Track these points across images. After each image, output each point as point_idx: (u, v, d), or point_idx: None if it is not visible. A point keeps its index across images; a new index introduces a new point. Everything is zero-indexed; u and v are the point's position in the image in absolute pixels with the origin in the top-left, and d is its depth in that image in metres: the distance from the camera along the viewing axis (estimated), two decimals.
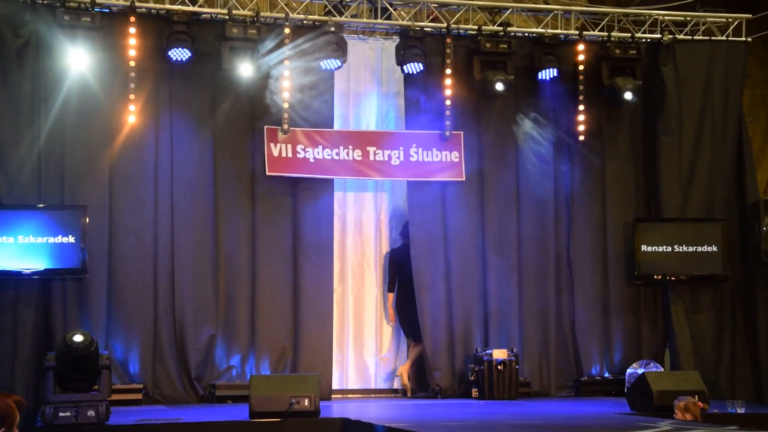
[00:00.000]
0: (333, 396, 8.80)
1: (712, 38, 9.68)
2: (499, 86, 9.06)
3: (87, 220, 8.12)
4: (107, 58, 8.33)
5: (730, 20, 9.69)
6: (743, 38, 9.68)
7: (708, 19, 9.67)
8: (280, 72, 8.69)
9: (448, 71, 9.10)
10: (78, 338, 6.50)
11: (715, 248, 9.36)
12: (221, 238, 8.69)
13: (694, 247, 9.36)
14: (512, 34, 9.30)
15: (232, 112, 8.77)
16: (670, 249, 9.36)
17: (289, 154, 8.83)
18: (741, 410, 7.26)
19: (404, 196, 9.30)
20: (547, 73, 9.28)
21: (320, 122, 8.98)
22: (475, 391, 8.72)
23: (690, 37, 9.63)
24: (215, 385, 8.39)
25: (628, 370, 8.72)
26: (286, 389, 6.74)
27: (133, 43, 8.34)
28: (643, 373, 7.42)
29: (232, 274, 8.68)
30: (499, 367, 8.57)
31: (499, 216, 9.30)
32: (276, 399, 6.65)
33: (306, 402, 6.68)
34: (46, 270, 8.04)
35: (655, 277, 9.37)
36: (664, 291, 9.49)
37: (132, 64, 8.33)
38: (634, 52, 9.37)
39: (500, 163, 9.39)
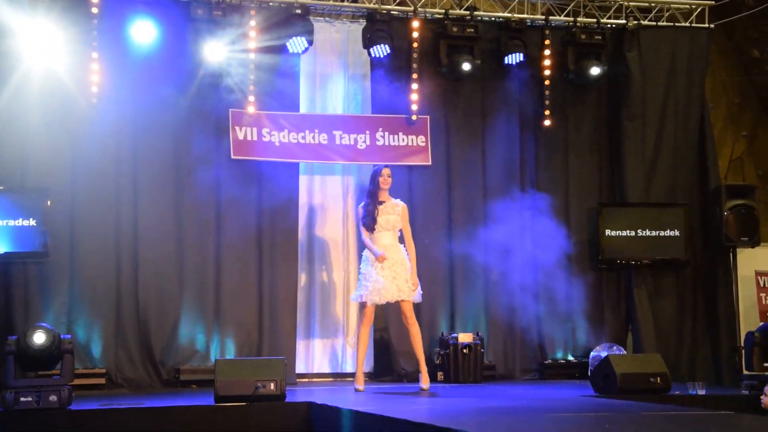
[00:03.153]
0: (299, 380, 8.75)
1: (676, 24, 9.72)
2: (466, 67, 9.04)
3: (49, 203, 7.98)
4: (69, 39, 8.16)
5: (694, 6, 9.73)
6: (706, 24, 9.73)
7: (672, 5, 9.71)
8: (246, 54, 8.60)
9: (415, 55, 9.06)
10: (39, 339, 6.36)
11: (677, 233, 9.41)
12: (186, 221, 8.60)
13: (657, 232, 9.41)
14: (479, 18, 9.28)
15: (196, 94, 8.66)
16: (633, 233, 9.40)
17: (254, 138, 8.76)
18: (701, 392, 7.33)
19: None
20: (514, 58, 9.28)
21: (286, 105, 8.91)
22: (440, 375, 8.74)
23: (654, 23, 9.66)
24: (179, 370, 8.30)
25: (592, 353, 8.74)
26: (251, 373, 6.65)
27: (96, 23, 8.18)
28: (606, 356, 7.43)
29: (196, 258, 8.60)
30: (464, 350, 8.59)
31: (466, 201, 9.29)
32: (241, 383, 6.57)
33: (272, 386, 6.61)
34: (6, 253, 7.90)
35: (619, 261, 9.41)
36: (627, 275, 9.53)
37: (94, 44, 8.18)
38: (600, 37, 9.40)
39: (467, 147, 9.38)
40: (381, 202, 7.53)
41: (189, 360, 8.45)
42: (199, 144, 8.65)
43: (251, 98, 8.65)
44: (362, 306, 7.61)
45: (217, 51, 8.50)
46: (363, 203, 7.59)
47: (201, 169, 8.64)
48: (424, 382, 7.54)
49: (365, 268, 7.51)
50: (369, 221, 7.48)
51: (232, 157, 8.67)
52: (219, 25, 8.43)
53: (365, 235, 7.51)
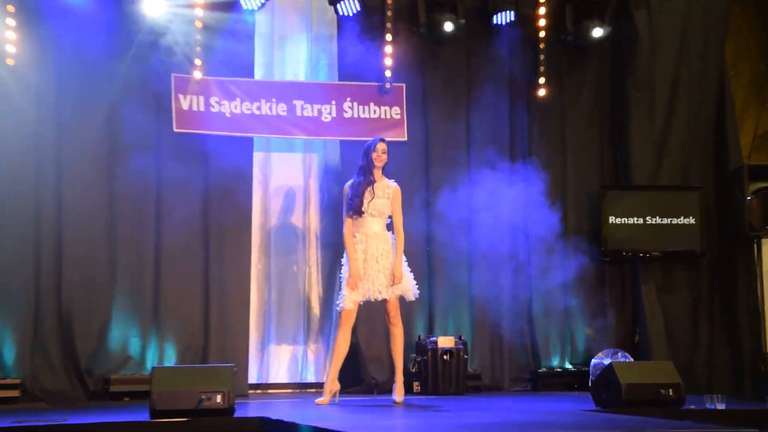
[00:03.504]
0: (252, 392, 8.69)
1: None
2: (448, 27, 8.98)
3: None
4: None
5: None
6: None
7: None
8: (191, 10, 8.53)
9: (389, 13, 8.97)
10: None
11: (691, 220, 9.40)
12: (119, 206, 8.46)
13: (668, 219, 9.40)
14: None
15: (133, 58, 8.54)
16: (641, 221, 9.39)
17: (201, 108, 8.68)
18: (720, 405, 7.21)
19: (339, 157, 9.15)
20: (503, 17, 9.26)
21: (238, 71, 8.86)
22: (416, 385, 8.64)
23: None
24: (109, 379, 8.13)
25: (593, 361, 8.65)
26: (194, 383, 6.49)
27: None
28: (609, 364, 7.33)
29: (131, 248, 8.46)
30: (444, 356, 8.49)
31: (447, 182, 9.20)
32: (182, 395, 6.41)
33: (218, 398, 6.44)
34: None
35: (624, 253, 9.39)
36: (634, 269, 9.51)
37: None
38: None
39: (448, 121, 9.34)
40: (374, 181, 7.34)
41: (121, 368, 8.31)
42: (136, 115, 8.50)
43: (198, 62, 8.58)
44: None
45: (157, 6, 8.42)
46: (352, 181, 7.37)
47: (137, 144, 8.48)
48: (398, 393, 7.40)
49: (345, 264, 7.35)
50: (357, 203, 7.26)
51: (175, 130, 8.58)
52: None
53: (347, 229, 7.29)
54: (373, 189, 7.28)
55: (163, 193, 8.57)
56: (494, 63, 9.41)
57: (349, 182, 7.39)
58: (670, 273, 9.53)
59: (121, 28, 8.45)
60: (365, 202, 7.24)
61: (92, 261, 8.31)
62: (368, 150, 7.38)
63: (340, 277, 7.45)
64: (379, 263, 7.24)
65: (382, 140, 7.42)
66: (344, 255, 7.34)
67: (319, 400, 7.31)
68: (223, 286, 8.65)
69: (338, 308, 7.31)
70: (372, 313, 8.75)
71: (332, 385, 7.29)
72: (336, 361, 7.31)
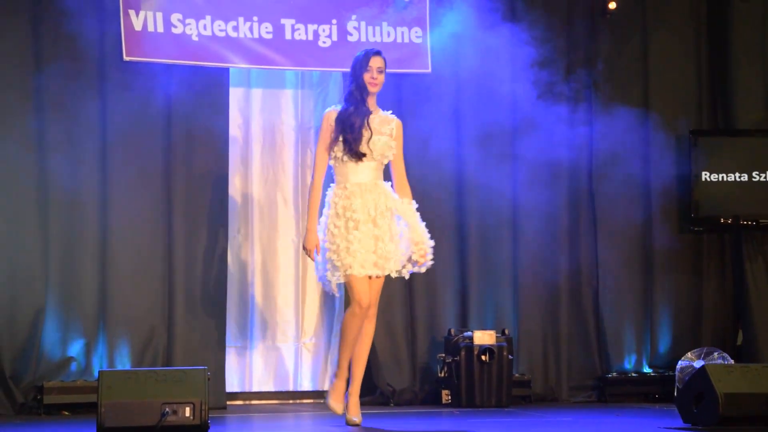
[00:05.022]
0: (230, 403, 8.84)
1: None
2: None
3: None
4: None
5: None
6: None
7: None
8: None
9: None
10: None
11: None
12: (53, 167, 8.58)
13: None
14: None
15: None
16: (745, 178, 9.48)
17: (160, 29, 8.73)
18: None
19: (340, 94, 9.18)
20: None
21: None
22: (446, 394, 8.78)
23: None
24: (42, 388, 8.26)
25: (680, 363, 8.82)
26: (155, 392, 6.59)
27: None
28: (702, 367, 7.43)
29: (70, 220, 8.61)
30: (483, 357, 8.62)
31: (485, 130, 9.30)
32: (140, 407, 6.49)
33: (187, 411, 6.53)
34: None
35: (723, 220, 9.50)
36: (737, 242, 9.64)
37: None
38: None
39: (485, 45, 9.24)
40: (369, 112, 7.00)
41: (58, 374, 8.45)
42: (69, 39, 8.58)
43: None
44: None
45: None
46: (337, 109, 7.01)
47: (72, 79, 8.61)
48: (352, 413, 7.01)
49: (333, 224, 6.88)
50: (355, 142, 6.87)
51: (125, 58, 8.63)
52: None
53: (317, 174, 6.96)
54: (368, 123, 6.94)
55: (110, 148, 8.68)
56: None
57: (331, 109, 7.04)
58: None
59: None
60: (363, 140, 6.91)
61: (16, 237, 8.44)
62: (358, 66, 7.02)
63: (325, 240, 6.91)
64: (378, 225, 6.88)
65: (378, 53, 7.04)
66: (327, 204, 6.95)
67: (353, 419, 7.02)
68: (192, 272, 8.78)
69: (324, 281, 6.93)
70: (390, 303, 8.96)
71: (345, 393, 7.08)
72: (343, 364, 7.08)
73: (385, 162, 7.00)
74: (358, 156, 6.87)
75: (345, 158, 6.90)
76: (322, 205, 6.93)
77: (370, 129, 6.90)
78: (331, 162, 6.96)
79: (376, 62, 6.98)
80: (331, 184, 6.95)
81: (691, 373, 7.78)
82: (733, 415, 6.93)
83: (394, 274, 6.93)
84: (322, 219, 6.93)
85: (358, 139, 6.85)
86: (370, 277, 6.84)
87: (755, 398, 7.05)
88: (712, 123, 9.81)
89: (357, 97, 6.96)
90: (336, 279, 6.84)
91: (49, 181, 8.58)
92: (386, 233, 6.88)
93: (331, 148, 6.93)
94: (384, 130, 6.97)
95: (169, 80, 8.79)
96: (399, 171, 7.11)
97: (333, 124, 6.92)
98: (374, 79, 6.97)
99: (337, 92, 9.28)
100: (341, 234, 6.79)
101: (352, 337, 6.89)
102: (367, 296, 6.82)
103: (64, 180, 8.60)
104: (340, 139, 6.88)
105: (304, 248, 6.93)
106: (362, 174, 6.93)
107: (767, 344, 9.37)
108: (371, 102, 7.01)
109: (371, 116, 6.96)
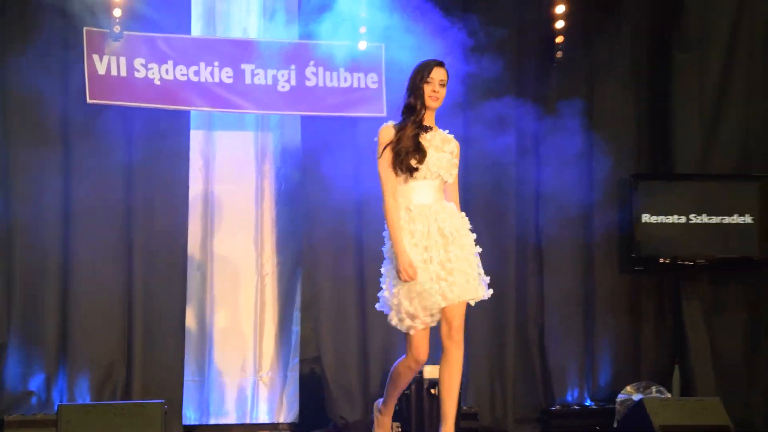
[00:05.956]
0: None
1: None
2: None
3: None
4: None
5: None
6: None
7: None
8: None
9: None
10: None
11: (749, 219, 9.48)
12: (15, 204, 8.61)
13: (720, 218, 9.48)
14: None
15: (34, 9, 8.63)
16: (683, 220, 9.46)
17: (123, 73, 8.72)
18: None
19: (299, 137, 9.29)
20: None
21: (172, 24, 8.91)
22: (396, 427, 8.76)
23: None
24: (3, 421, 8.25)
25: (620, 396, 8.90)
26: (113, 425, 6.75)
27: None
28: (640, 401, 7.56)
29: (33, 256, 8.63)
30: (432, 390, 8.63)
31: None
32: None
33: None
34: None
35: (662, 260, 9.48)
36: (675, 281, 9.67)
37: None
38: None
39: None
40: (427, 128, 6.22)
41: (17, 407, 8.45)
42: (35, 81, 8.61)
43: (117, 12, 8.58)
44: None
45: None
46: (393, 124, 6.20)
47: (39, 119, 8.64)
48: None
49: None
50: (408, 157, 6.08)
51: (88, 101, 8.62)
52: None
53: (388, 195, 6.11)
54: (430, 137, 6.16)
55: (73, 187, 8.70)
56: (499, 15, 9.46)
57: (389, 124, 6.21)
58: (721, 286, 9.68)
59: None
60: (422, 157, 6.09)
61: None
62: (418, 78, 6.17)
63: (383, 276, 6.24)
64: (448, 251, 6.10)
65: (441, 64, 6.21)
66: (387, 241, 6.16)
67: None
68: (152, 305, 8.78)
69: (402, 327, 6.19)
70: (345, 338, 9.03)
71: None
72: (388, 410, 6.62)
73: (450, 181, 6.21)
74: (411, 173, 6.07)
75: (405, 175, 6.08)
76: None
77: (430, 145, 6.13)
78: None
79: (438, 74, 6.15)
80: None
81: (630, 406, 7.88)
82: None
83: (472, 302, 6.19)
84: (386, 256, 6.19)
85: (412, 155, 6.05)
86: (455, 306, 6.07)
87: (692, 430, 7.29)
88: (652, 167, 9.84)
89: (414, 111, 6.13)
90: (398, 323, 6.18)
91: (13, 220, 8.60)
92: (458, 258, 6.08)
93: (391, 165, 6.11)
94: (446, 149, 6.18)
95: (132, 124, 8.81)
96: (455, 194, 6.31)
97: (390, 139, 6.11)
98: (435, 92, 6.13)
99: (296, 134, 9.31)
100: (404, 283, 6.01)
101: (403, 385, 6.38)
102: (426, 352, 6.15)
103: (27, 223, 8.63)
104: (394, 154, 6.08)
105: (398, 271, 5.97)
106: (422, 194, 6.13)
107: (703, 379, 9.37)
108: (429, 117, 6.20)
109: (431, 133, 6.17)
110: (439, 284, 6.01)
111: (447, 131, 6.26)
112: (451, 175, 6.18)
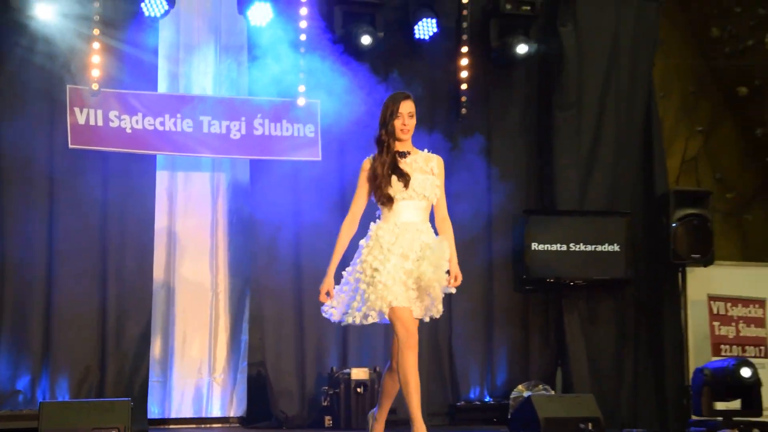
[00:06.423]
0: (152, 427, 8.71)
1: None
2: (366, 40, 9.06)
3: None
4: None
5: None
6: None
7: None
8: (91, 16, 8.51)
9: (303, 24, 8.99)
10: None
11: (616, 247, 9.57)
12: (7, 227, 8.53)
13: (593, 246, 9.56)
14: None
15: (22, 66, 8.55)
16: (564, 248, 9.54)
17: (100, 123, 8.65)
18: None
19: (248, 176, 9.25)
20: (425, 29, 9.27)
21: (140, 83, 8.85)
22: (328, 420, 8.76)
23: None
24: None
25: (513, 393, 8.91)
26: (87, 419, 6.62)
27: None
28: (529, 397, 7.58)
29: (20, 274, 8.52)
30: (358, 389, 8.64)
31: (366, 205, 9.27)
32: None
33: None
34: None
35: (548, 280, 9.57)
36: (558, 298, 9.72)
37: None
38: (528, 8, 9.45)
39: (365, 139, 9.23)
40: (403, 154, 5.78)
41: (6, 404, 8.31)
42: (25, 130, 8.55)
43: (95, 72, 8.55)
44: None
45: (52, 12, 8.42)
46: (371, 158, 5.83)
47: (28, 162, 8.56)
48: None
49: (372, 257, 5.67)
50: (380, 188, 5.69)
51: (70, 146, 8.55)
52: None
53: (347, 219, 5.85)
54: (408, 161, 5.75)
55: (56, 215, 8.60)
56: (414, 78, 9.35)
57: (369, 158, 5.85)
58: (595, 302, 9.75)
59: (14, 35, 8.46)
60: (395, 183, 5.69)
61: None
62: (388, 113, 5.74)
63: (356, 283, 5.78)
64: (420, 268, 5.61)
65: (407, 97, 5.78)
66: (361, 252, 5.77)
67: None
68: (123, 316, 8.69)
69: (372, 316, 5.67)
70: (282, 340, 8.97)
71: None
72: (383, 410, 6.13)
73: (431, 201, 5.76)
74: (389, 201, 5.69)
75: (385, 204, 5.73)
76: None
77: (404, 172, 5.71)
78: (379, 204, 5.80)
79: (406, 107, 5.73)
80: (377, 221, 5.82)
81: (521, 402, 7.90)
82: None
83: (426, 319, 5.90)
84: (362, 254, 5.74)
85: (384, 186, 5.67)
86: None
87: (569, 421, 7.31)
88: (539, 204, 9.89)
89: (384, 145, 5.74)
90: (374, 313, 5.63)
91: (4, 241, 8.51)
92: (430, 279, 5.62)
93: (370, 194, 5.79)
94: (425, 166, 5.76)
95: (107, 165, 8.75)
96: (441, 209, 5.86)
97: (367, 170, 5.78)
98: (405, 125, 5.73)
99: (245, 174, 9.25)
100: (383, 267, 5.59)
101: (414, 374, 5.70)
102: (414, 323, 5.70)
103: (17, 243, 8.52)
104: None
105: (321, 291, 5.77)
106: (407, 214, 5.71)
107: (580, 378, 9.42)
108: (405, 144, 5.78)
109: (411, 156, 5.77)
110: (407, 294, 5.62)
111: (426, 150, 5.86)
112: (436, 195, 5.74)
